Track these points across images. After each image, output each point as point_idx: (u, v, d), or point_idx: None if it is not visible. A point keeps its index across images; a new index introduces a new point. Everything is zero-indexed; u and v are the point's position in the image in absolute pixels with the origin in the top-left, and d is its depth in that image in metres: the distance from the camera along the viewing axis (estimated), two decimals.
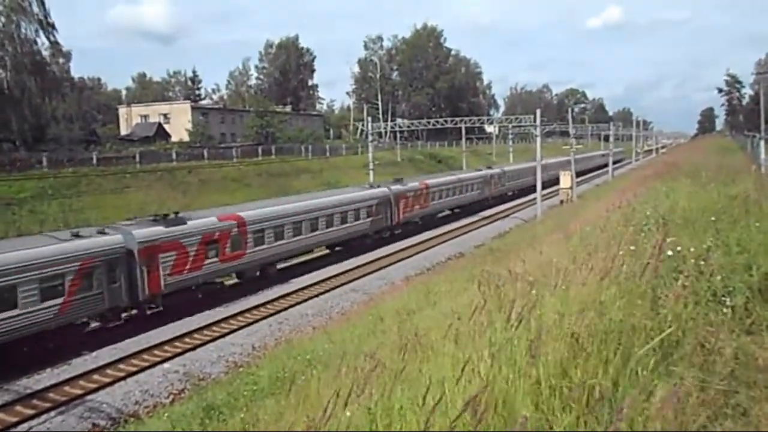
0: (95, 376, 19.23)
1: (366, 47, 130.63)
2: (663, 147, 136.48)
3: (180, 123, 79.03)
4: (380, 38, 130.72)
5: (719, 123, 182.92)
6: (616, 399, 3.46)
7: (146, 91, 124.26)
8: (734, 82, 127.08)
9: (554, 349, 4.15)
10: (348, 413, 4.10)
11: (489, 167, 64.48)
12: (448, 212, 53.80)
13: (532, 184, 69.13)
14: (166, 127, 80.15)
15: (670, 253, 5.68)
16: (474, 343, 4.89)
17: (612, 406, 3.37)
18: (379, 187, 41.65)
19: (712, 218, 7.90)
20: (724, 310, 4.75)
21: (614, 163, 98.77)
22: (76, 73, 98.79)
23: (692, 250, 5.81)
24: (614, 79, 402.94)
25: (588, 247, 7.77)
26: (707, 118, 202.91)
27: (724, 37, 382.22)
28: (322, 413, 3.95)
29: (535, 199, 46.41)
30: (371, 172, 53.57)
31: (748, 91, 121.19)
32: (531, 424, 3.30)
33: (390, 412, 4.03)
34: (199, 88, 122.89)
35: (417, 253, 37.73)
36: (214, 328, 23.92)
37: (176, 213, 26.91)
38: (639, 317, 4.46)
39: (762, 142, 33.07)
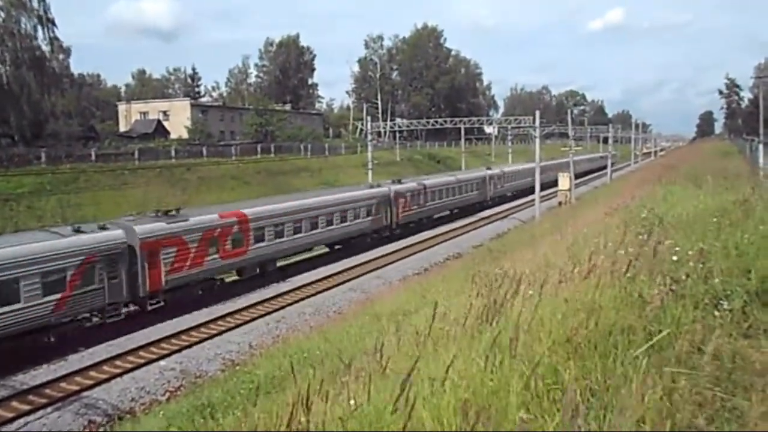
0: (91, 373, 19.20)
1: (366, 46, 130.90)
2: (662, 150, 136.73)
3: (179, 120, 78.99)
4: (381, 38, 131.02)
5: (718, 126, 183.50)
6: (608, 400, 3.45)
7: (146, 87, 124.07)
8: (733, 86, 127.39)
9: (547, 349, 4.15)
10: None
11: (398, 181, 45.49)
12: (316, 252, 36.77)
13: (475, 201, 56.25)
14: (165, 124, 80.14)
15: (675, 258, 5.69)
16: (466, 342, 4.88)
17: (604, 407, 3.37)
18: (105, 229, 23.04)
19: (713, 219, 7.92)
20: (716, 313, 4.75)
21: (601, 169, 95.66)
22: (75, 69, 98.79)
23: (690, 253, 5.81)
24: (614, 82, 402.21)
25: (584, 249, 7.77)
26: (706, 122, 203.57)
27: (725, 41, 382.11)
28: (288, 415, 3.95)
29: (533, 200, 46.35)
30: (370, 172, 53.66)
31: (747, 95, 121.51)
32: (523, 424, 3.29)
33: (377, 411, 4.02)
34: (198, 86, 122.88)
35: (415, 253, 37.73)
36: (212, 326, 23.90)
37: None
38: (634, 319, 4.46)
39: (761, 146, 33.09)
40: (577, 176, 67.53)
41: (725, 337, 4.33)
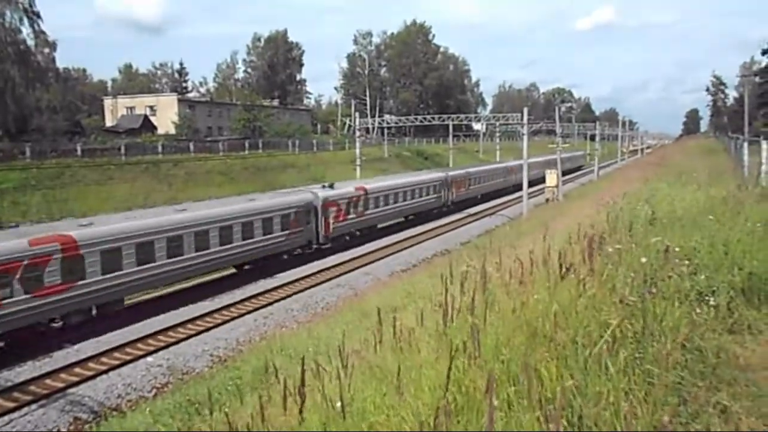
0: (77, 369, 19.04)
1: (355, 42, 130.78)
2: (648, 147, 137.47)
3: (166, 115, 78.47)
4: (369, 34, 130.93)
5: (704, 124, 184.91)
6: (587, 397, 3.44)
7: (132, 82, 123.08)
8: (719, 84, 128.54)
9: (525, 347, 4.14)
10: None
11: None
12: None
13: (285, 249, 32.10)
14: (152, 119, 79.60)
15: (644, 260, 5.63)
16: (447, 338, 4.87)
17: (582, 405, 3.36)
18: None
19: (700, 217, 7.96)
20: (698, 309, 4.76)
21: (574, 171, 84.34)
22: (61, 63, 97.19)
23: (677, 249, 5.84)
24: (601, 80, 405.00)
25: (567, 247, 7.78)
26: (692, 120, 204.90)
27: (712, 40, 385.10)
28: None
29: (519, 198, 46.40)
30: (358, 168, 53.60)
31: (733, 93, 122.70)
32: (498, 422, 3.27)
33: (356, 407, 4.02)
34: (185, 81, 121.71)
35: (403, 249, 37.74)
36: (199, 322, 23.77)
37: None
38: (615, 316, 4.45)
39: (746, 144, 33.34)
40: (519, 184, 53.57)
41: (710, 333, 4.36)
